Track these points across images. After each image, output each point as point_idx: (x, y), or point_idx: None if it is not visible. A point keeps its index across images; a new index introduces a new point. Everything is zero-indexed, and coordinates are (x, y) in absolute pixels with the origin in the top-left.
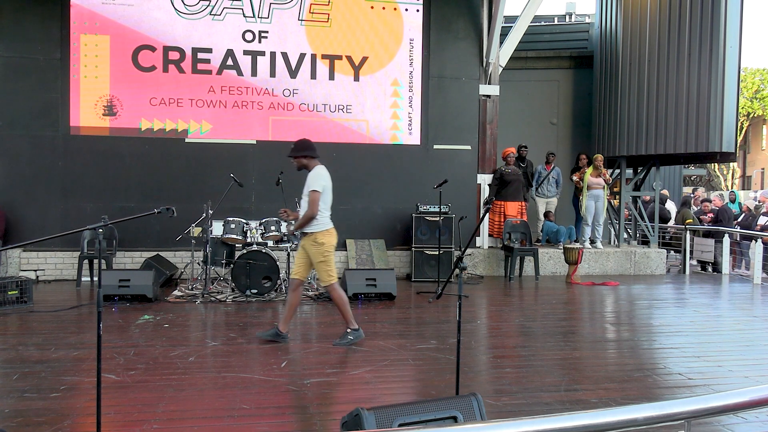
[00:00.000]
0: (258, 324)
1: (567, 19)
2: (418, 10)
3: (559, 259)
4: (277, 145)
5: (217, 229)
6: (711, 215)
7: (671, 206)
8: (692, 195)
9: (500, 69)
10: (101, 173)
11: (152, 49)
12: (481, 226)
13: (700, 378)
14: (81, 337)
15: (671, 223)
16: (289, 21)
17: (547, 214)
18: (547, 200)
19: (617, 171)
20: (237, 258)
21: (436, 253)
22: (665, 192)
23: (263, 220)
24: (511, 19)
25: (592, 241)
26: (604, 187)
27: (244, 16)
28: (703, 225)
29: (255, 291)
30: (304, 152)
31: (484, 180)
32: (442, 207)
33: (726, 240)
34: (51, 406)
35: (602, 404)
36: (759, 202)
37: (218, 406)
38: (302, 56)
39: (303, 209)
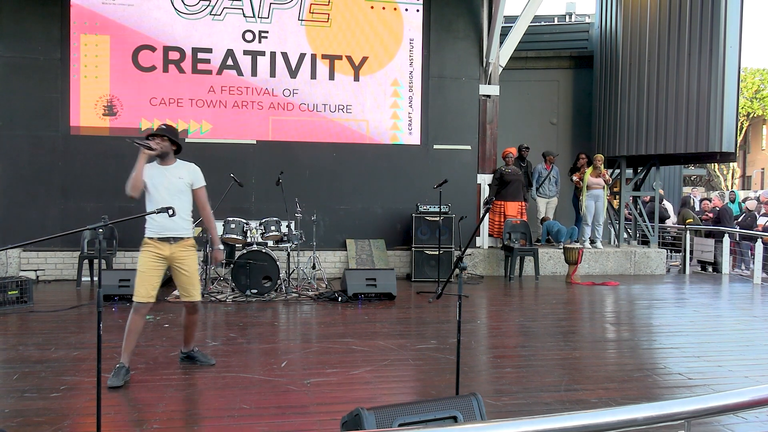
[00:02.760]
0: (258, 324)
1: (567, 19)
2: (418, 10)
3: (559, 259)
4: (277, 145)
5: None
6: (711, 215)
7: (669, 206)
8: (691, 195)
9: (500, 69)
10: (101, 173)
11: (152, 49)
12: (481, 226)
13: (700, 378)
14: (81, 337)
15: (671, 222)
16: (289, 21)
17: (543, 219)
18: (548, 200)
19: (617, 171)
20: (237, 258)
21: (436, 253)
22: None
23: (263, 220)
24: (511, 19)
25: (592, 241)
26: (604, 187)
27: (244, 16)
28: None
29: (255, 291)
30: (176, 139)
31: (484, 180)
32: (442, 207)
33: (726, 240)
34: (51, 406)
35: (602, 404)
36: (759, 203)
37: (218, 406)
38: (302, 56)
39: (170, 204)
